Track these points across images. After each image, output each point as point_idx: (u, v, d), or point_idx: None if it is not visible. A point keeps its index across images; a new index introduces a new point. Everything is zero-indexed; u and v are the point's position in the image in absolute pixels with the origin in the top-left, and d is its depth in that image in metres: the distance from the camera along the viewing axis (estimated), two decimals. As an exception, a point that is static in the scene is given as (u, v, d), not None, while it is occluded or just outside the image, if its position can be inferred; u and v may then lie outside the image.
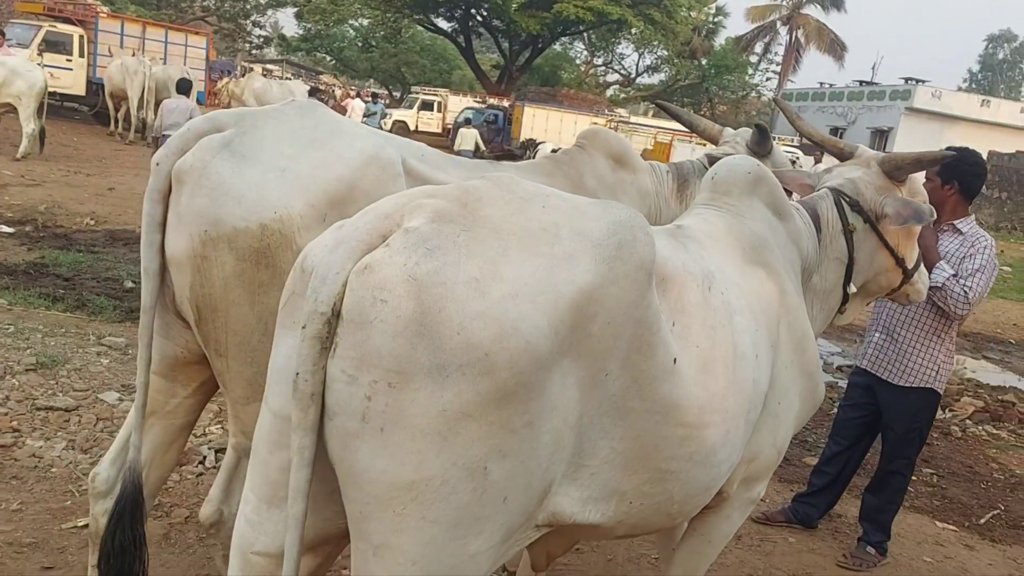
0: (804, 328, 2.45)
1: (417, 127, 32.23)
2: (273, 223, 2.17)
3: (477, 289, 1.45)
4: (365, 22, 45.41)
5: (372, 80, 58.97)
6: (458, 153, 16.06)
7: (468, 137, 21.59)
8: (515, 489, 1.56)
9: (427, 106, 35.05)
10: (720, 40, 49.44)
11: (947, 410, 6.88)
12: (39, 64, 15.44)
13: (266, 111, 2.37)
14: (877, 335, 4.06)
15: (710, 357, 1.93)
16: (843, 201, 2.80)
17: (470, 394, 1.44)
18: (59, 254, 7.83)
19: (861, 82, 43.27)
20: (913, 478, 4.58)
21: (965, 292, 3.71)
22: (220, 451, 4.23)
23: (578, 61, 52.44)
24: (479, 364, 1.43)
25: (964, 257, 3.82)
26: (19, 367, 4.79)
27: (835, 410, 5.55)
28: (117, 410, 4.49)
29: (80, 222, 9.52)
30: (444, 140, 28.19)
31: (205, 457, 4.17)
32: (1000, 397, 7.47)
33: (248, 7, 46.84)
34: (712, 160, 3.19)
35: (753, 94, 52.23)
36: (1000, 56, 76.22)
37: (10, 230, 8.51)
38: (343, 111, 20.70)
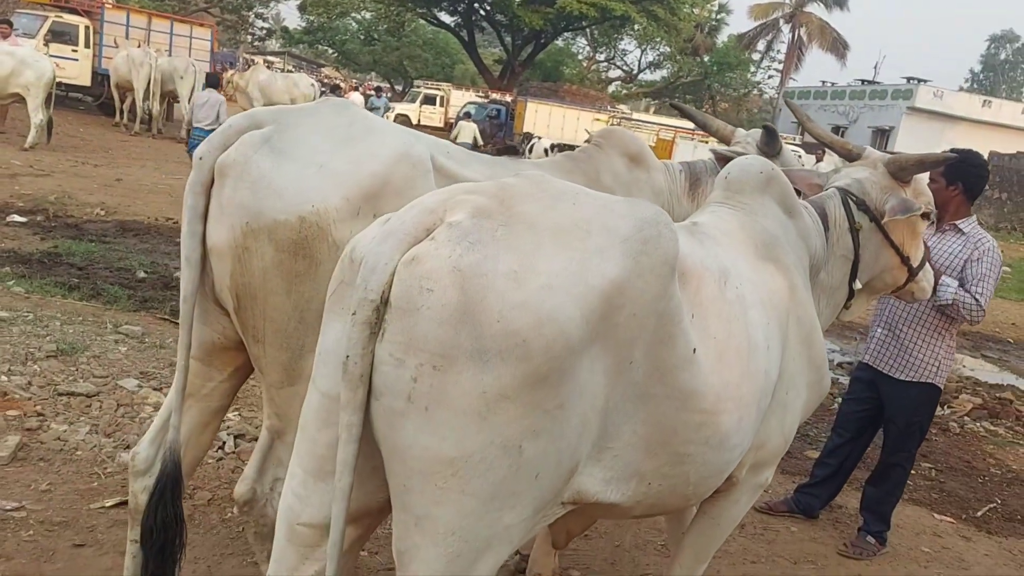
0: (812, 322, 2.57)
1: (419, 121, 32.33)
2: (311, 216, 2.28)
3: (515, 280, 1.56)
4: (368, 15, 45.46)
5: (374, 73, 59.03)
6: (458, 146, 16.21)
7: (467, 130, 21.93)
8: (546, 466, 1.68)
9: (429, 100, 35.15)
10: (723, 37, 49.55)
11: (946, 407, 7.00)
12: (45, 54, 15.53)
13: (302, 109, 2.48)
14: (880, 331, 4.18)
15: (726, 348, 2.05)
16: (850, 200, 2.91)
17: (508, 377, 1.56)
18: (71, 244, 7.95)
19: (863, 81, 43.34)
20: (912, 472, 4.69)
21: (976, 299, 3.85)
22: (239, 436, 4.37)
23: (580, 57, 52.51)
24: (517, 350, 1.55)
25: (968, 260, 3.95)
26: (40, 353, 4.91)
27: (835, 405, 5.69)
28: (136, 396, 4.61)
29: (90, 212, 9.62)
30: (446, 134, 28.33)
31: (224, 443, 4.29)
32: (998, 395, 7.60)
33: (251, -1, 46.81)
34: (722, 160, 3.31)
35: (755, 92, 52.36)
36: (1002, 56, 76.27)
37: (23, 219, 8.63)
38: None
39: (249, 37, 54.26)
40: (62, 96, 18.68)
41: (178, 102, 19.35)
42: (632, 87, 51.35)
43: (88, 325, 5.57)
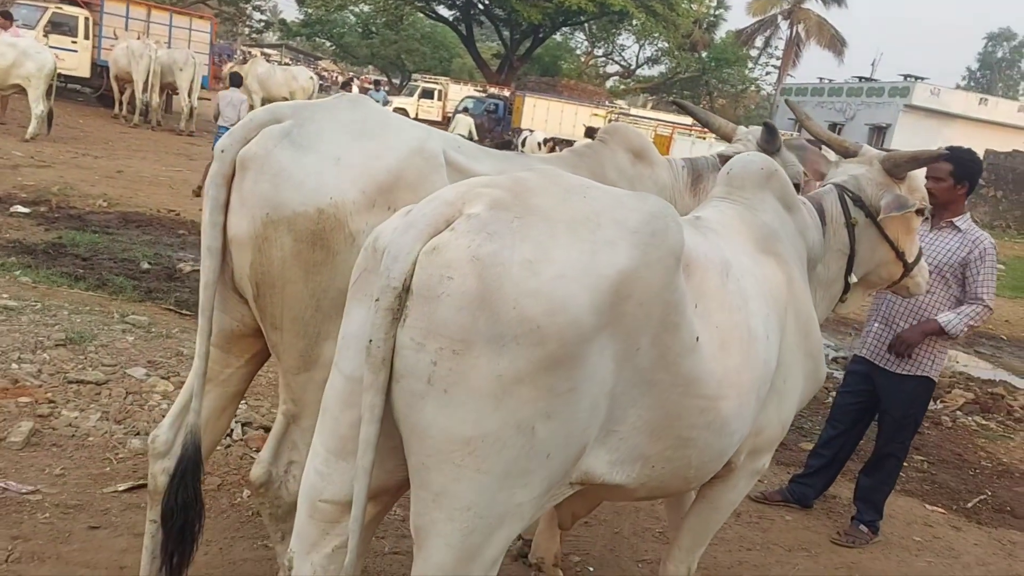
0: (809, 314, 2.66)
1: (417, 115, 32.36)
2: (329, 208, 2.36)
3: (531, 269, 1.65)
4: (366, 8, 45.39)
5: (371, 67, 59.00)
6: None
7: (463, 124, 22.19)
8: (557, 447, 1.77)
9: (427, 94, 35.21)
10: (721, 33, 49.67)
11: (938, 401, 7.11)
12: (45, 45, 15.55)
13: (320, 104, 2.56)
14: (876, 325, 4.28)
15: (727, 337, 2.14)
16: (846, 196, 3.01)
17: (523, 361, 1.65)
18: (75, 235, 8.01)
19: (860, 78, 43.44)
20: (905, 464, 4.80)
21: (986, 304, 4.03)
22: (246, 424, 4.45)
23: (578, 52, 52.54)
24: (532, 335, 1.64)
25: (967, 260, 4.06)
26: (49, 342, 4.98)
27: (830, 398, 5.79)
28: (145, 384, 4.69)
29: (93, 204, 9.68)
30: (444, 128, 28.37)
31: (232, 430, 4.37)
32: (990, 390, 7.71)
33: (249, -10, 46.78)
34: (724, 158, 3.40)
35: (752, 88, 52.47)
36: (999, 55, 76.42)
37: (26, 210, 8.69)
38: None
39: (247, 29, 54.21)
40: (61, 87, 18.71)
41: (177, 94, 19.37)
42: (630, 82, 51.43)
43: (95, 315, 5.65)
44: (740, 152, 3.54)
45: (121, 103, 18.90)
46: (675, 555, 2.80)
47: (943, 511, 5.00)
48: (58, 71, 13.91)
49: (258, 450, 4.22)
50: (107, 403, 4.41)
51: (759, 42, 51.48)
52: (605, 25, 43.67)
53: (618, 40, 48.81)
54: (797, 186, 3.07)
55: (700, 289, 2.09)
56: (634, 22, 39.61)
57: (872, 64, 71.00)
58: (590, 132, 20.30)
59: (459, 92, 35.73)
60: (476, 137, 22.98)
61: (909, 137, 34.61)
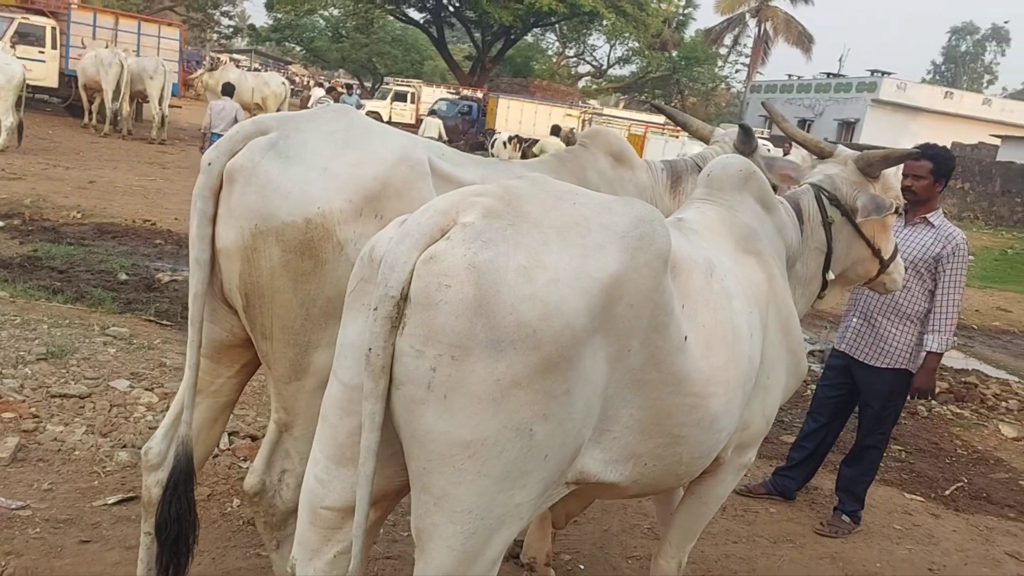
0: (790, 310, 2.72)
1: (390, 118, 32.29)
2: (316, 217, 2.39)
3: (525, 275, 1.69)
4: (336, 12, 45.26)
5: (342, 70, 58.79)
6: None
7: (432, 126, 22.36)
8: (554, 448, 1.81)
9: (400, 97, 35.09)
10: (690, 32, 50.05)
11: (918, 399, 7.23)
12: (12, 56, 15.38)
13: (305, 115, 2.59)
14: (856, 320, 4.36)
15: (713, 336, 2.19)
16: (822, 195, 3.08)
17: (520, 365, 1.69)
18: (51, 247, 7.96)
19: (828, 74, 43.92)
20: (881, 458, 4.88)
21: (954, 309, 4.19)
22: (233, 433, 4.45)
23: (550, 52, 52.69)
24: (528, 340, 1.68)
25: (940, 256, 4.16)
26: (30, 356, 4.95)
27: (809, 391, 5.88)
28: (129, 396, 4.68)
29: (67, 215, 9.61)
30: (416, 131, 28.35)
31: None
32: (963, 379, 7.86)
33: (217, -3, 46.48)
34: (702, 159, 3.48)
35: (722, 86, 52.90)
36: (963, 48, 77.62)
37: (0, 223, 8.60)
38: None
39: (215, 36, 53.85)
40: (29, 98, 18.50)
41: (147, 102, 19.22)
42: (602, 82, 51.67)
43: (75, 328, 5.62)
44: (717, 154, 3.61)
45: (91, 113, 18.74)
46: (666, 550, 2.86)
47: (922, 499, 5.11)
48: (26, 82, 13.77)
49: (246, 459, 4.23)
50: (92, 416, 4.39)
51: (728, 40, 51.93)
52: (576, 26, 43.86)
53: (589, 40, 49.06)
54: (774, 186, 3.13)
55: (686, 290, 2.14)
56: (604, 22, 39.83)
57: (839, 60, 71.85)
58: (555, 130, 20.44)
59: (432, 94, 35.68)
60: (447, 138, 23.08)
61: (877, 131, 35.10)
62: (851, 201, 3.10)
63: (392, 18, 44.91)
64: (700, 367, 2.12)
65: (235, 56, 46.48)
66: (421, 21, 43.26)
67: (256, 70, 32.70)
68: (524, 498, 1.82)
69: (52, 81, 19.64)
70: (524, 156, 21.46)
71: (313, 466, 1.94)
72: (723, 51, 52.10)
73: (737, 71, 53.66)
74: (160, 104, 18.55)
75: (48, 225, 9.03)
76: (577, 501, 2.72)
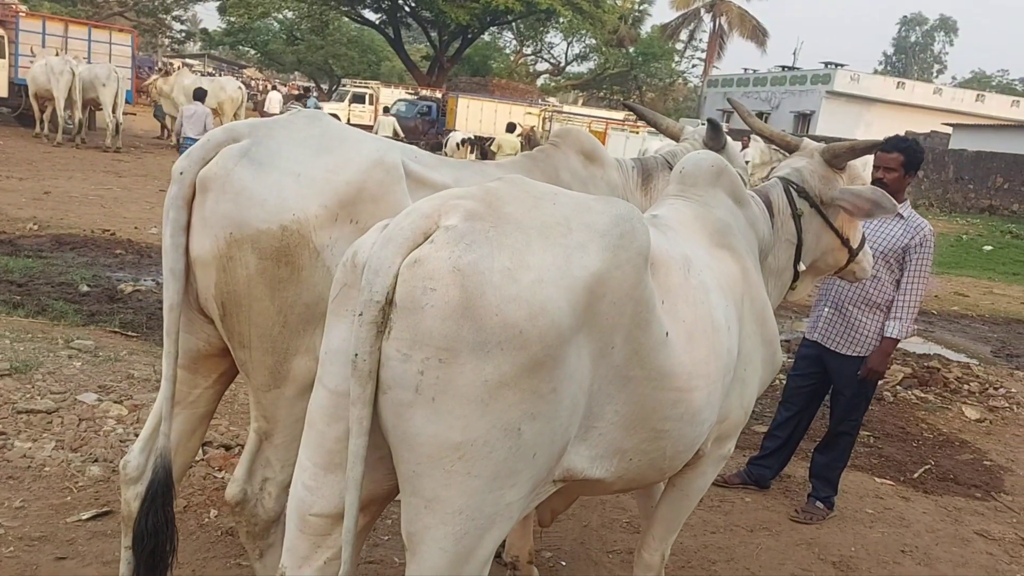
0: (764, 302, 2.77)
1: (349, 120, 32.04)
2: (292, 224, 2.37)
3: (510, 276, 1.70)
4: (290, 14, 44.87)
5: (298, 73, 58.29)
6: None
7: (385, 125, 22.43)
8: (542, 446, 1.82)
9: (358, 99, 34.81)
10: (646, 28, 50.39)
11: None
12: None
13: (277, 121, 2.56)
14: (827, 310, 4.44)
15: (693, 330, 2.22)
16: (791, 189, 3.13)
17: (507, 366, 1.69)
18: (8, 260, 7.79)
19: (783, 67, 44.55)
20: (853, 443, 4.96)
21: (916, 298, 4.28)
22: (206, 444, 4.39)
23: (508, 51, 52.73)
24: (515, 340, 1.69)
25: (908, 247, 4.25)
26: (-7, 373, 4.85)
27: (779, 382, 5.96)
28: (98, 410, 4.59)
29: (23, 227, 9.42)
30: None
31: (193, 450, 4.32)
32: (926, 364, 8.01)
33: (168, 1, 45.74)
34: (673, 156, 3.52)
35: (680, 81, 53.37)
36: (912, 39, 79.10)
37: (-47, 237, 8.40)
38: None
39: (167, 41, 53.03)
40: (-23, 109, 18.14)
41: (100, 110, 18.89)
42: (560, 80, 51.86)
43: (39, 342, 5.51)
44: (687, 151, 3.65)
45: (42, 122, 18.38)
46: (649, 543, 2.88)
47: (892, 483, 5.21)
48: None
49: (221, 469, 4.19)
50: (60, 431, 4.31)
51: (684, 35, 52.46)
52: (533, 24, 43.93)
53: (546, 38, 49.21)
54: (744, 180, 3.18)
55: (665, 286, 2.16)
56: (561, 20, 39.99)
57: (794, 53, 72.84)
58: (511, 127, 20.50)
59: (390, 95, 35.46)
60: (402, 136, 23.07)
61: (833, 123, 35.69)
62: (819, 192, 3.15)
63: (347, 19, 44.65)
64: (682, 361, 2.15)
65: (188, 61, 45.83)
66: (377, 22, 43.05)
67: (210, 75, 32.28)
68: (514, 497, 1.82)
69: (1, 91, 19.25)
70: (484, 155, 21.48)
71: (301, 473, 1.92)
72: (679, 46, 52.66)
73: (694, 66, 54.28)
74: (114, 112, 18.25)
75: (4, 238, 8.84)
76: (562, 498, 2.72)
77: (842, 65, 40.02)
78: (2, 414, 4.39)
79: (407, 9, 41.03)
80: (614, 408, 2.03)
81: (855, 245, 3.27)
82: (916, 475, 5.36)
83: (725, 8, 49.31)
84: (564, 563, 3.76)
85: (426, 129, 30.00)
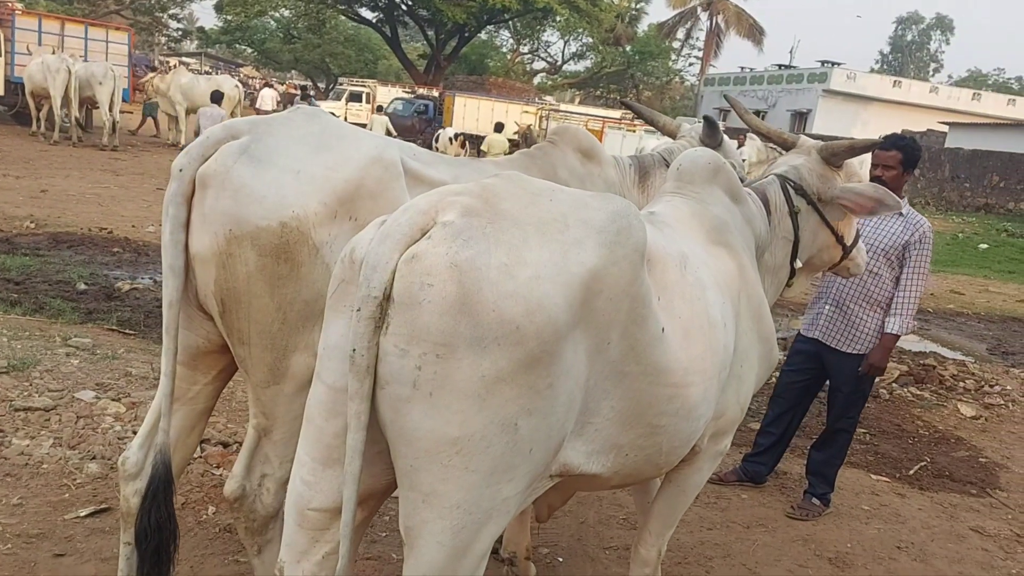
0: (760, 299, 2.78)
1: (346, 118, 32.00)
2: (291, 221, 2.38)
3: (507, 272, 1.71)
4: (287, 13, 44.83)
5: (295, 72, 58.24)
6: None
7: (378, 124, 22.58)
8: (539, 441, 1.83)
9: (355, 97, 34.74)
10: (643, 27, 50.43)
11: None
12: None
13: (276, 118, 2.57)
14: (828, 307, 4.45)
15: (689, 326, 2.23)
16: (788, 186, 3.14)
17: (504, 361, 1.70)
18: (5, 258, 7.78)
19: (780, 66, 44.58)
20: (850, 440, 4.97)
21: (916, 294, 4.32)
22: (204, 441, 4.40)
23: (504, 49, 52.73)
24: (512, 336, 1.70)
25: (908, 243, 4.28)
26: (-9, 370, 4.85)
27: (773, 379, 5.98)
28: (95, 407, 4.60)
29: (20, 226, 9.41)
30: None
31: (190, 448, 4.32)
32: (922, 361, 8.03)
33: (165, 0, 45.71)
34: (669, 154, 3.53)
35: (676, 79, 53.40)
36: (909, 38, 79.21)
37: (-50, 236, 8.40)
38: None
39: (164, 39, 52.97)
40: (-27, 107, 18.11)
41: (97, 108, 18.87)
42: (557, 78, 51.89)
43: (36, 340, 5.51)
44: (684, 148, 3.67)
45: (39, 120, 18.34)
46: (646, 539, 2.90)
47: (887, 479, 5.23)
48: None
49: (218, 466, 4.20)
50: (58, 429, 4.31)
51: (680, 34, 52.53)
52: (530, 22, 43.93)
53: (543, 36, 49.24)
54: (741, 178, 3.19)
55: (662, 282, 2.17)
56: (558, 18, 40.00)
57: (790, 51, 73.14)
58: (499, 127, 20.55)
59: (387, 94, 35.44)
60: (395, 134, 23.15)
61: (829, 121, 35.72)
62: (816, 190, 3.16)
63: (344, 18, 44.61)
64: (678, 358, 2.16)
65: (185, 59, 45.78)
66: (374, 20, 43.04)
67: (207, 73, 32.25)
68: (511, 492, 1.84)
69: (-3, 89, 19.20)
70: (479, 153, 21.52)
71: (299, 468, 1.94)
72: (676, 45, 52.72)
73: (690, 64, 54.36)
74: (111, 110, 18.21)
75: (1, 236, 8.83)
76: (559, 494, 2.74)
77: (839, 64, 40.07)
78: (0, 412, 4.40)
79: (404, 7, 41.01)
80: (610, 404, 2.04)
81: (849, 242, 3.29)
82: (912, 472, 5.39)
83: (722, 6, 49.36)
84: (561, 559, 3.77)
85: (423, 128, 29.96)
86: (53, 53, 18.45)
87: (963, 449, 5.92)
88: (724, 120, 27.34)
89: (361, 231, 1.88)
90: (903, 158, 4.22)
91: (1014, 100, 43.26)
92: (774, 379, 5.69)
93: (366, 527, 2.14)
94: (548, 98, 39.52)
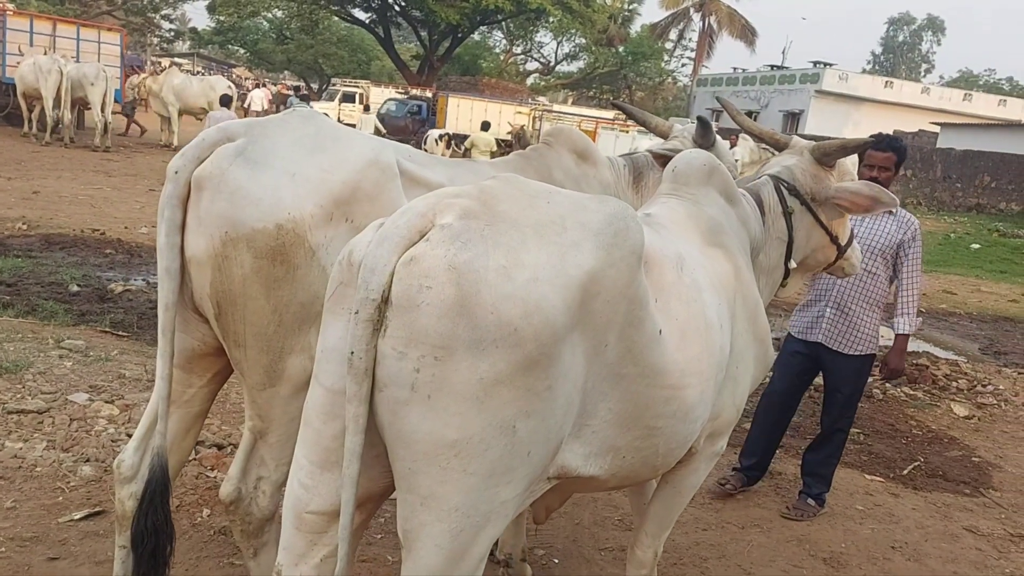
0: (756, 300, 2.78)
1: (339, 119, 31.97)
2: (287, 223, 2.38)
3: (505, 275, 1.71)
4: (279, 14, 44.77)
5: (288, 72, 58.15)
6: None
7: (367, 123, 22.67)
8: (537, 444, 1.83)
9: (348, 98, 34.67)
10: (636, 28, 50.49)
11: (888, 383, 7.40)
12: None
13: (272, 120, 2.57)
14: (829, 311, 4.44)
15: (686, 328, 2.24)
16: (782, 187, 3.15)
17: (503, 364, 1.70)
18: (-3, 260, 7.75)
19: (772, 66, 44.67)
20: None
21: (918, 289, 4.36)
22: (198, 443, 4.38)
23: (497, 50, 52.75)
24: (510, 338, 1.70)
25: (902, 242, 4.34)
26: (-17, 373, 4.83)
27: (766, 380, 5.99)
28: (89, 410, 4.58)
29: (12, 227, 9.37)
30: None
31: (185, 450, 4.31)
32: (915, 361, 8.05)
33: (157, 0, 45.58)
34: (659, 158, 3.54)
35: (669, 80, 53.49)
36: (900, 38, 79.49)
37: (-58, 237, 8.36)
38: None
39: (156, 40, 52.83)
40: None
41: (89, 109, 18.79)
42: (550, 79, 51.91)
43: (29, 342, 5.49)
44: (677, 149, 3.67)
45: (30, 121, 18.26)
46: (642, 540, 2.90)
47: (881, 479, 5.24)
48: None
49: (213, 468, 4.19)
50: (51, 431, 4.30)
51: (673, 35, 52.61)
52: (523, 23, 43.97)
53: (536, 37, 49.28)
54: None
55: (659, 284, 2.18)
56: (551, 19, 40.03)
57: (783, 52, 72.94)
58: (485, 126, 20.59)
59: (380, 95, 35.36)
60: (384, 132, 23.23)
61: (822, 122, 35.79)
62: (810, 191, 3.17)
63: (337, 19, 44.55)
64: (675, 359, 2.16)
65: (177, 60, 45.63)
66: (367, 21, 42.98)
67: (199, 74, 32.14)
68: (509, 495, 1.84)
69: (-12, 90, 19.11)
70: (466, 153, 21.52)
71: (297, 471, 1.93)
72: (669, 45, 52.79)
73: (683, 65, 54.45)
74: (103, 111, 18.14)
75: (-7, 238, 8.80)
76: (557, 495, 2.73)
77: (831, 64, 40.16)
78: (-7, 414, 4.38)
79: (397, 8, 40.98)
80: (607, 406, 2.04)
81: (843, 242, 3.30)
82: (905, 472, 5.40)
83: (714, 7, 49.43)
84: (556, 560, 3.78)
85: (416, 128, 29.91)
86: (45, 54, 18.36)
87: (956, 449, 5.94)
88: (716, 120, 27.37)
89: (359, 233, 1.88)
90: (897, 159, 4.25)
91: (1005, 101, 43.44)
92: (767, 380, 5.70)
93: (364, 529, 2.14)
94: (541, 99, 39.54)
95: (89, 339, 5.83)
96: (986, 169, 26.40)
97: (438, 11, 36.68)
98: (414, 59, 46.89)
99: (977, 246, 18.72)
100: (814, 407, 5.14)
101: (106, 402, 4.69)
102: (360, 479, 1.80)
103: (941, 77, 76.69)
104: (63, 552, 3.32)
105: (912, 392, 7.13)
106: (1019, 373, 8.25)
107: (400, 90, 37.18)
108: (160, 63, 34.97)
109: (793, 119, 39.50)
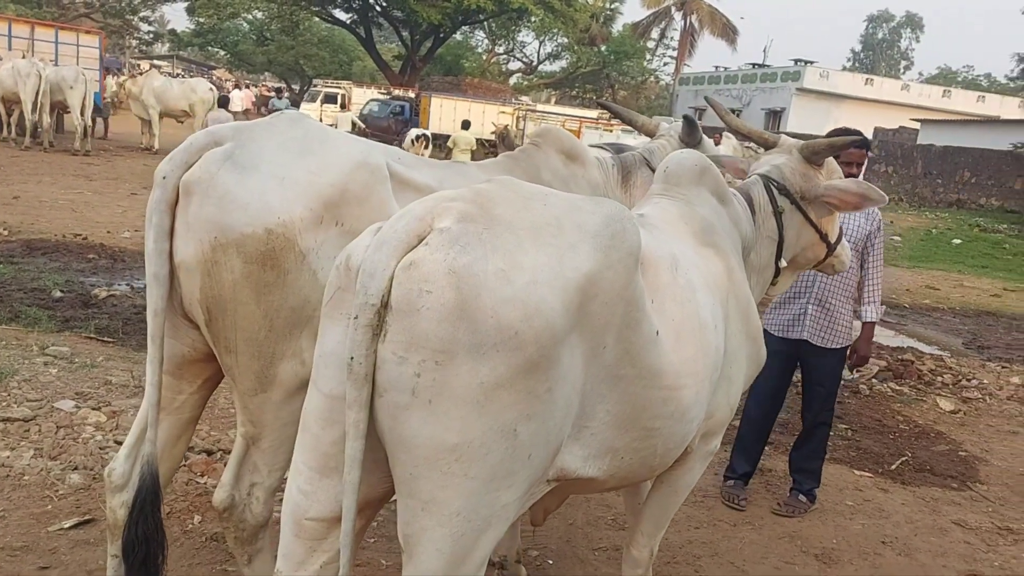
0: (748, 299, 2.79)
1: (321, 120, 31.81)
2: (277, 227, 2.36)
3: (505, 278, 1.70)
4: (259, 15, 44.50)
5: (268, 74, 57.87)
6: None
7: (343, 120, 22.69)
8: (537, 447, 1.83)
9: (330, 99, 34.50)
10: (618, 27, 50.54)
11: (854, 371, 7.45)
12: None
13: (260, 124, 2.54)
14: (811, 307, 4.46)
15: (682, 328, 2.24)
16: (771, 186, 3.16)
17: (503, 367, 1.70)
18: (-22, 267, 7.66)
19: (754, 64, 44.88)
20: (830, 433, 5.02)
21: (879, 279, 4.49)
22: (188, 449, 4.34)
23: (480, 50, 52.70)
24: (510, 341, 1.69)
25: (870, 233, 4.43)
26: (-33, 381, 4.77)
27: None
28: (76, 417, 4.54)
29: (-8, 233, 9.27)
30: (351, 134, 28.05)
31: (174, 456, 4.28)
32: (900, 357, 8.12)
33: (135, 2, 45.20)
34: (649, 153, 3.55)
35: (652, 79, 53.64)
36: (880, 36, 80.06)
37: (-79, 244, 8.26)
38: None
39: (134, 42, 52.41)
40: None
41: (68, 113, 18.63)
42: (533, 78, 51.90)
43: (13, 349, 5.43)
44: (664, 148, 3.68)
45: (9, 126, 18.07)
46: (637, 540, 2.90)
47: (870, 475, 5.28)
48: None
49: (203, 474, 4.15)
50: (38, 439, 4.25)
51: (655, 34, 52.72)
52: (505, 23, 43.87)
53: (518, 37, 49.22)
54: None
55: (654, 285, 2.18)
56: (533, 19, 39.97)
57: (764, 50, 73.60)
58: (466, 125, 20.61)
59: (363, 95, 35.21)
60: (362, 127, 23.23)
61: (803, 119, 36.02)
62: (799, 189, 3.18)
63: (318, 19, 44.33)
64: (671, 360, 2.16)
65: (156, 62, 45.33)
66: (348, 21, 42.78)
67: (179, 76, 31.94)
68: (510, 498, 1.83)
69: (-33, 94, 18.86)
70: (449, 154, 21.50)
71: (296, 477, 1.92)
72: (651, 44, 52.90)
73: (665, 64, 54.59)
74: (82, 114, 17.98)
75: (-27, 244, 8.70)
76: (555, 497, 2.73)
77: (811, 62, 40.42)
78: (-22, 423, 4.33)
79: (378, 9, 40.82)
80: (606, 407, 2.04)
81: (833, 239, 3.31)
82: (894, 467, 5.44)
83: (696, 6, 49.60)
84: (551, 561, 3.77)
85: (400, 129, 29.80)
86: (23, 57, 18.18)
87: (943, 443, 5.99)
88: (700, 119, 27.46)
89: (356, 238, 1.87)
90: (869, 156, 4.34)
91: (983, 97, 43.86)
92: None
93: (363, 535, 2.13)
94: (524, 98, 39.50)
95: (74, 345, 5.78)
96: (966, 165, 26.64)
97: (420, 11, 36.55)
98: (396, 59, 46.74)
99: (958, 241, 18.88)
100: (797, 400, 5.13)
101: (93, 409, 4.65)
102: (360, 485, 1.79)
103: (920, 74, 77.24)
104: (53, 561, 3.28)
105: (898, 388, 7.19)
106: (1002, 367, 8.34)
107: (382, 91, 37.05)
108: (139, 66, 34.72)
109: (775, 117, 39.73)
